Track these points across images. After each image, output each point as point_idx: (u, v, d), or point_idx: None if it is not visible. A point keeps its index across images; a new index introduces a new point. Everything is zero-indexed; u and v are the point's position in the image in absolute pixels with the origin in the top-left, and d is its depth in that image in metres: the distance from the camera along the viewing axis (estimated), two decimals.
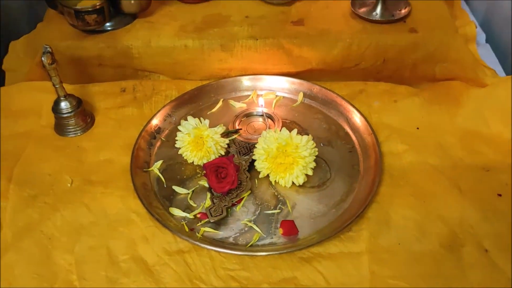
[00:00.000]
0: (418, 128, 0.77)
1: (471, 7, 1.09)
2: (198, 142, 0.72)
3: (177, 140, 0.74)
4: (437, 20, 0.86)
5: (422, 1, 0.92)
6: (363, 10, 0.89)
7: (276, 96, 0.85)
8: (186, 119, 0.74)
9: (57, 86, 0.76)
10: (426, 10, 0.89)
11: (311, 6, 0.91)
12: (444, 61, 0.84)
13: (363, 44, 0.83)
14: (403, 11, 0.88)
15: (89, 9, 0.79)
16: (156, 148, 0.77)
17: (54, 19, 0.90)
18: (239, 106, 0.83)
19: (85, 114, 0.79)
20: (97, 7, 0.79)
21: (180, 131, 0.73)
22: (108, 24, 0.85)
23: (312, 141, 0.69)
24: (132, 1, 0.84)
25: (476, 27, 0.97)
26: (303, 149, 0.68)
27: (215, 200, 0.67)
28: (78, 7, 0.79)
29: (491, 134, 0.75)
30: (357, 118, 0.78)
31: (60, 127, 0.78)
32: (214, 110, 0.82)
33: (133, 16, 0.88)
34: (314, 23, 0.87)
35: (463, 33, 0.93)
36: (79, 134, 0.78)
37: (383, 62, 0.85)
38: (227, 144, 0.74)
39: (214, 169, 0.67)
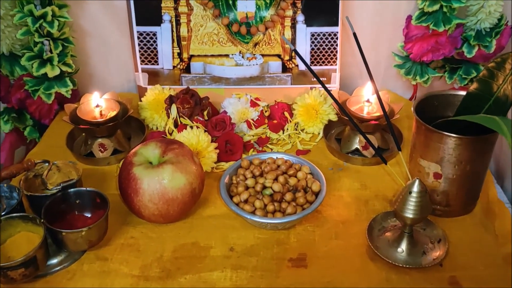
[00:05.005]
0: None
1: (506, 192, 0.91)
2: None
3: None
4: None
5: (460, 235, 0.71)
6: (383, 235, 0.68)
7: None
8: None
9: None
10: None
11: (315, 232, 0.70)
12: None
13: None
14: (438, 252, 0.66)
15: (14, 265, 0.57)
16: None
17: None
18: None
19: None
20: (28, 258, 0.58)
21: None
22: (47, 263, 0.64)
23: None
24: (79, 240, 0.63)
25: None
26: None
27: None
28: (2, 264, 0.57)
29: None
30: None
31: None
32: None
33: (82, 251, 0.67)
34: (319, 265, 0.65)
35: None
36: None
37: None
38: None
39: None
